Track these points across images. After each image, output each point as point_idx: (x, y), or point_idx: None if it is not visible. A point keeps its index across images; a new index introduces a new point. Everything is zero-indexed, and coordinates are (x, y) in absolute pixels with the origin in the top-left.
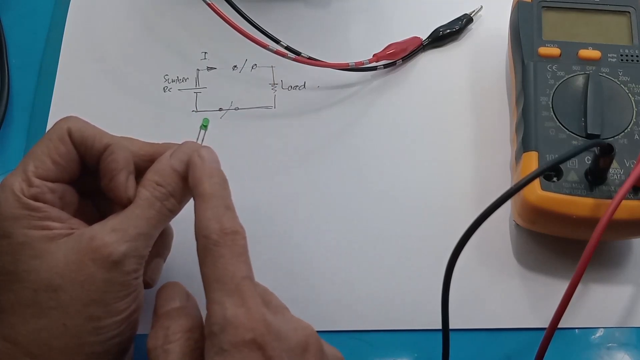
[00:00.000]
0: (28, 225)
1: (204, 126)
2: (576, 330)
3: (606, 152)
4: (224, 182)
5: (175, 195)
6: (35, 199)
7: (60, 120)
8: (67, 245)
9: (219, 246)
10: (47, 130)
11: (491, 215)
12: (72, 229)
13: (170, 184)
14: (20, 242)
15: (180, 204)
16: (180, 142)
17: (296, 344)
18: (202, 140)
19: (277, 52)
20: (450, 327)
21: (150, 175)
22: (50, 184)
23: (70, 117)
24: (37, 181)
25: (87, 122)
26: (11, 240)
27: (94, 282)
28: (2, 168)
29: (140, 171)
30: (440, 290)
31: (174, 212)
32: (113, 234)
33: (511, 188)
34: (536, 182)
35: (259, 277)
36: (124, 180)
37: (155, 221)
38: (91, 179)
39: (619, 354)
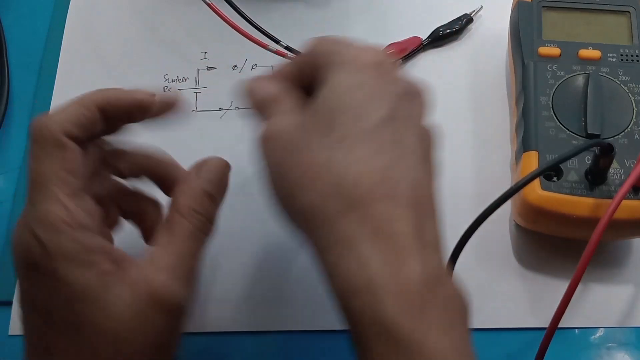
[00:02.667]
0: (80, 263)
1: None
2: (576, 330)
3: (606, 152)
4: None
5: (211, 219)
6: (80, 226)
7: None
8: (125, 293)
9: None
10: None
11: (491, 215)
12: (117, 262)
13: (206, 209)
14: (76, 289)
15: (214, 225)
16: (180, 142)
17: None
18: None
19: (277, 52)
20: None
21: (185, 201)
22: (83, 205)
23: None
24: (73, 206)
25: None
26: (67, 287)
27: (157, 330)
28: (2, 168)
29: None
30: None
31: (210, 236)
32: (168, 276)
33: (511, 188)
34: (536, 182)
35: (260, 276)
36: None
37: (201, 253)
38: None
39: (619, 354)
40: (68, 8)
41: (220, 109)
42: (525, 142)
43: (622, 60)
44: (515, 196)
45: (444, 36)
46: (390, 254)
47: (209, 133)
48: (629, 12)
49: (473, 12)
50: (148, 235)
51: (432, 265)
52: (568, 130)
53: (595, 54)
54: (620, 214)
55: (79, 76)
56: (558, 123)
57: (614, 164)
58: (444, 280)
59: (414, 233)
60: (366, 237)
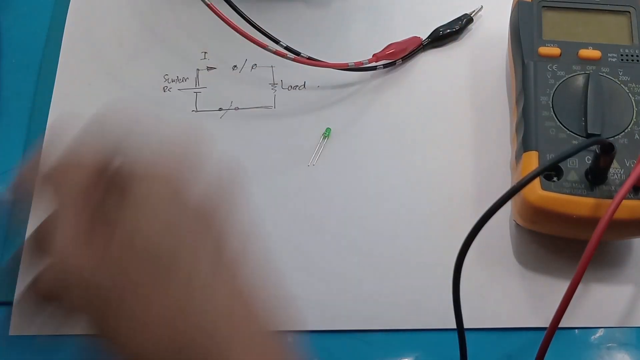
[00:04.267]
0: None
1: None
2: (576, 330)
3: (607, 151)
4: None
5: None
6: None
7: None
8: None
9: None
10: (46, 129)
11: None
12: None
13: None
14: None
15: None
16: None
17: None
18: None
19: (276, 53)
20: (450, 327)
21: None
22: None
23: None
24: None
25: None
26: None
27: None
28: (2, 167)
29: None
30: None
31: None
32: None
33: (511, 188)
34: (536, 182)
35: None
36: None
37: None
38: None
39: (619, 354)
40: (68, 8)
41: (220, 109)
42: (525, 142)
43: (622, 60)
44: (516, 196)
45: (444, 36)
46: None
47: (209, 133)
48: (629, 12)
49: (473, 12)
50: None
51: None
52: (568, 130)
53: (595, 54)
54: (621, 214)
55: (79, 76)
56: (558, 123)
57: (614, 164)
58: None
59: None
60: None
